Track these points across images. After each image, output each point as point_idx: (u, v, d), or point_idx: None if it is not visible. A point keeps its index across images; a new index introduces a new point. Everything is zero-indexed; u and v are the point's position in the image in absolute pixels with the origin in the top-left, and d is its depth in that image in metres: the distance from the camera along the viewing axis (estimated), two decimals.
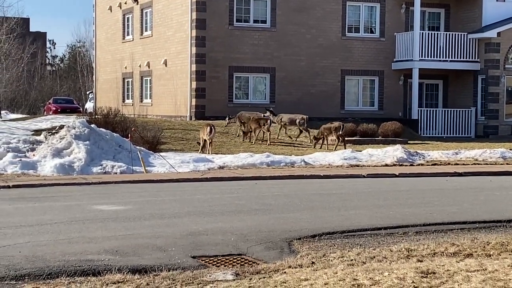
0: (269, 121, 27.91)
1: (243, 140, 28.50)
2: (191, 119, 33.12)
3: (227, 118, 30.30)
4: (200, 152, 24.36)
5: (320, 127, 28.40)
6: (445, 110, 36.17)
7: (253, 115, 29.34)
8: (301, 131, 29.67)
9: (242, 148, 26.04)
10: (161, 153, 22.71)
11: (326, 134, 27.93)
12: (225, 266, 8.85)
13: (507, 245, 9.57)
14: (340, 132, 27.43)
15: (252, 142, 28.04)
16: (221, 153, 24.41)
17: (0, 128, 28.90)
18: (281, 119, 29.72)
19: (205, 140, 24.75)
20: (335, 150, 26.23)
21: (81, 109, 54.37)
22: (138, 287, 7.68)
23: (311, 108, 34.25)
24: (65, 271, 8.30)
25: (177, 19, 35.00)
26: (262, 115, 29.37)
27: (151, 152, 22.64)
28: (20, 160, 20.11)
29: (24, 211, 12.85)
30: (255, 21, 34.21)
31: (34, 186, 16.89)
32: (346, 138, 28.99)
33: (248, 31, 33.94)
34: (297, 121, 29.46)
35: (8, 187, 16.62)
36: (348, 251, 9.44)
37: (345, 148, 26.32)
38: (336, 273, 7.85)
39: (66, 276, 8.14)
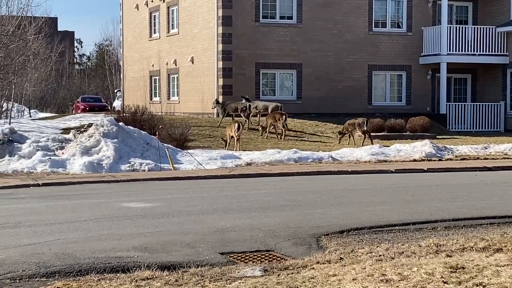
0: (284, 116, 27.97)
1: (261, 134, 28.63)
2: (218, 116, 33.18)
3: (214, 102, 31.00)
4: (227, 149, 24.41)
5: (345, 123, 28.43)
6: (473, 105, 35.90)
7: (239, 104, 30.06)
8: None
9: (269, 145, 26.03)
10: (189, 150, 22.77)
11: (350, 129, 27.93)
12: (253, 262, 8.86)
13: None
14: (365, 128, 27.37)
15: (264, 137, 28.17)
16: (248, 150, 24.43)
17: (30, 127, 29.18)
18: (256, 106, 30.00)
19: (232, 137, 24.80)
20: (362, 145, 26.19)
21: (109, 107, 54.68)
22: (167, 283, 7.71)
23: (338, 103, 34.19)
24: (94, 268, 8.36)
25: (203, 17, 35.06)
26: (248, 103, 29.85)
27: (178, 149, 22.73)
28: (50, 158, 20.28)
29: (54, 209, 12.97)
30: (281, 17, 34.16)
31: (64, 184, 17.03)
32: (373, 134, 29.12)
33: (274, 28, 33.92)
34: (271, 108, 29.74)
35: (38, 185, 16.78)
36: (377, 246, 9.41)
37: (372, 144, 26.24)
38: (365, 268, 7.83)
39: (96, 273, 8.20)
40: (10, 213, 12.37)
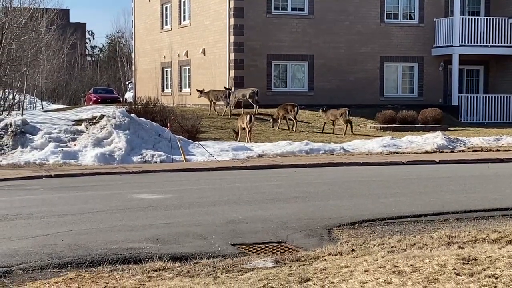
0: (296, 108, 28.05)
1: (272, 126, 28.68)
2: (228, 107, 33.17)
3: (199, 93, 32.29)
4: (239, 141, 24.42)
5: (327, 112, 28.92)
6: (486, 96, 35.74)
7: (220, 92, 31.28)
8: (253, 104, 30.46)
9: (281, 136, 26.04)
10: (200, 142, 22.80)
11: (332, 119, 28.53)
12: (265, 253, 8.87)
13: None
14: (347, 118, 28.06)
15: (276, 128, 28.26)
16: (260, 142, 24.43)
17: (42, 119, 29.26)
18: (235, 94, 31.00)
19: (243, 128, 24.82)
20: (344, 134, 27.52)
21: (121, 99, 54.68)
22: (179, 274, 7.74)
23: (350, 95, 34.11)
24: (107, 259, 8.39)
25: (215, 8, 35.02)
26: (228, 91, 31.08)
27: (190, 141, 22.76)
28: (62, 150, 20.36)
29: (66, 200, 13.02)
30: (293, 9, 34.08)
31: (76, 175, 17.09)
32: (385, 125, 29.97)
33: (286, 19, 33.84)
34: (248, 94, 30.55)
35: (51, 176, 16.84)
36: (388, 238, 9.41)
37: (352, 132, 27.74)
38: (376, 260, 7.83)
39: (108, 264, 8.23)
40: (22, 204, 12.44)
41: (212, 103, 31.75)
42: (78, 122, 27.30)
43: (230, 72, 33.51)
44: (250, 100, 30.53)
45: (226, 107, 31.23)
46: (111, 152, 20.25)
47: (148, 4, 43.78)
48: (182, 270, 7.89)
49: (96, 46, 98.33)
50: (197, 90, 32.50)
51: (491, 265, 7.33)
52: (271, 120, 29.20)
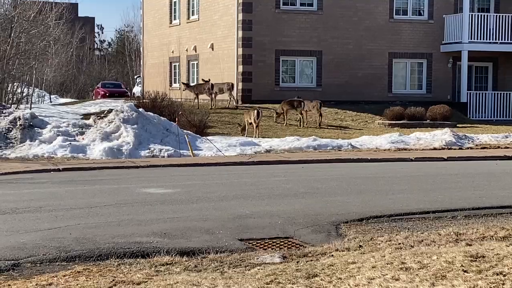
0: (302, 103, 28.05)
1: (275, 121, 28.64)
2: (237, 103, 33.17)
3: (184, 86, 33.53)
4: (246, 136, 24.41)
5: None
6: (495, 93, 35.63)
7: (205, 85, 32.22)
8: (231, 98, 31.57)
9: (289, 132, 26.02)
10: (208, 137, 22.81)
11: (306, 110, 28.86)
12: (272, 249, 8.87)
13: None
14: (320, 110, 28.57)
15: (283, 124, 28.28)
16: (268, 137, 24.43)
17: (50, 112, 29.34)
18: (214, 88, 32.02)
19: (250, 123, 24.82)
20: (319, 126, 28.17)
21: (129, 93, 54.77)
22: (186, 269, 7.75)
23: (358, 91, 34.06)
24: (114, 253, 8.41)
25: (224, 3, 34.99)
26: (211, 84, 31.98)
27: (198, 135, 22.77)
28: (70, 143, 20.41)
29: (74, 194, 13.04)
30: (301, 4, 34.03)
31: (84, 169, 17.12)
32: (393, 122, 29.94)
33: (294, 14, 33.80)
34: (224, 88, 31.72)
35: (59, 170, 16.87)
36: (396, 234, 9.40)
37: (319, 125, 28.19)
38: (384, 256, 7.82)
39: (115, 257, 8.24)
40: (31, 198, 12.47)
41: (197, 96, 32.41)
42: (86, 116, 27.36)
43: (238, 67, 33.50)
44: (227, 94, 31.47)
45: (196, 100, 32.09)
46: (119, 146, 20.29)
47: None
48: (190, 265, 7.90)
49: (104, 40, 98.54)
50: (183, 83, 33.49)
51: (499, 263, 7.32)
52: (275, 115, 29.16)
